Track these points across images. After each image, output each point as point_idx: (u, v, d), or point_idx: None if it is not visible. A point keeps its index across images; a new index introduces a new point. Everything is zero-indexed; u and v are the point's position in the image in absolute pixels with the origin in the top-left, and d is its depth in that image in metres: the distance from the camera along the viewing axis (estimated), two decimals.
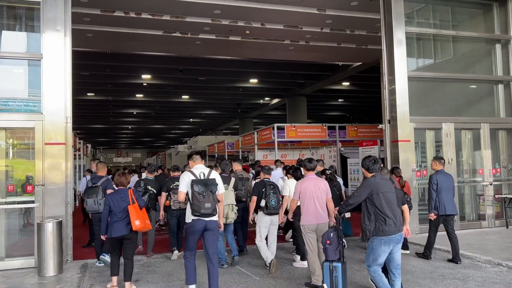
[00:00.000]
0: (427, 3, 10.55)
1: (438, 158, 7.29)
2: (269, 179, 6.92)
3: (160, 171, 10.86)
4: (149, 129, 39.84)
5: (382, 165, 5.45)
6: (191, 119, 34.78)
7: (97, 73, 18.87)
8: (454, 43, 11.02)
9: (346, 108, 30.91)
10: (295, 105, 23.76)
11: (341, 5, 10.45)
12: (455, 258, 6.90)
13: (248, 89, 23.07)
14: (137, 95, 24.35)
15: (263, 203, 6.51)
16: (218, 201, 5.24)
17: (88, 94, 23.53)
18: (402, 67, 9.41)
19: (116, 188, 5.92)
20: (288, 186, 6.63)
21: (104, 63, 17.15)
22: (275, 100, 26.60)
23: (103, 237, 5.67)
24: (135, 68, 18.47)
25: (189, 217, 5.13)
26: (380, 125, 13.43)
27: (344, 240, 5.14)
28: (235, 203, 6.72)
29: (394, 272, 4.81)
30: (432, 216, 6.96)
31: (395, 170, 8.05)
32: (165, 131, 43.36)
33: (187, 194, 5.12)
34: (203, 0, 9.69)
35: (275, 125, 14.84)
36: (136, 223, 5.37)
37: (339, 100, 27.49)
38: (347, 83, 23.05)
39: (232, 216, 6.62)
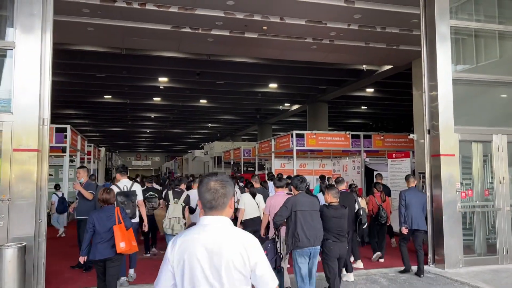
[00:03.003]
0: None
1: (409, 176, 7.54)
2: None
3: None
4: (167, 133, 38.75)
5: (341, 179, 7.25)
6: (209, 124, 33.50)
7: (113, 75, 17.86)
8: (501, 42, 9.27)
9: (369, 115, 29.05)
10: (316, 111, 22.12)
11: None
12: (418, 271, 7.08)
13: (267, 94, 21.62)
14: (154, 99, 23.27)
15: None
16: (138, 207, 6.76)
17: (105, 96, 22.62)
18: (445, 67, 7.75)
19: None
20: (243, 200, 7.09)
21: (119, 65, 16.07)
22: (295, 106, 25.02)
23: (81, 259, 5.01)
24: (151, 70, 17.33)
25: None
26: (411, 134, 11.73)
27: (282, 251, 5.52)
28: (181, 216, 6.90)
29: (308, 281, 5.24)
30: (404, 230, 7.12)
31: (376, 185, 8.62)
32: (183, 136, 42.23)
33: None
34: None
35: (294, 132, 13.29)
36: (121, 245, 4.85)
37: (362, 107, 25.71)
38: (371, 90, 21.38)
39: (178, 228, 6.80)
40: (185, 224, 6.93)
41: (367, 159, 14.36)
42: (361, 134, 14.32)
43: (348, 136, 14.02)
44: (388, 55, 12.26)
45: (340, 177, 7.51)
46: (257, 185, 7.92)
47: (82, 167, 7.73)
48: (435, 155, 7.71)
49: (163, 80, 18.65)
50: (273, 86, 19.78)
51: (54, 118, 26.27)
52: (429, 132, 7.92)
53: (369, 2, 9.14)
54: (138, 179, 14.66)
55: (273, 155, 15.01)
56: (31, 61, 5.95)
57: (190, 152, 30.37)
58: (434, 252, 7.62)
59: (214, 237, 1.99)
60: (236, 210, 8.12)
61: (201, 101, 23.80)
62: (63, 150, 12.59)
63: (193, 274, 1.95)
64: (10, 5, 6.02)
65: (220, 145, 23.92)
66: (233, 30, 10.33)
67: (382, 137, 14.63)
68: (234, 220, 8.30)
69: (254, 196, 7.20)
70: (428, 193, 7.86)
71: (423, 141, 8.41)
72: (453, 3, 8.41)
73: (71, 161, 13.88)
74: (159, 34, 10.37)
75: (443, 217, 7.44)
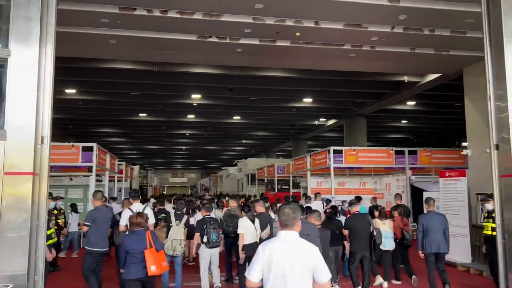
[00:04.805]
0: None
1: (428, 200, 7.41)
2: (209, 216, 7.09)
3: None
4: (202, 150, 38.19)
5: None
6: (243, 141, 32.60)
7: (147, 93, 17.45)
8: None
9: (410, 130, 27.17)
10: (354, 126, 20.67)
11: None
12: None
13: (302, 109, 20.48)
14: (188, 116, 22.71)
15: (205, 238, 6.73)
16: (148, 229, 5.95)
17: (140, 114, 22.25)
18: None
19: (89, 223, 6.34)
20: (242, 225, 6.86)
21: (152, 82, 15.54)
22: (331, 121, 23.66)
23: (122, 270, 5.41)
24: (183, 87, 16.72)
25: None
26: (464, 150, 10.18)
27: None
28: (183, 238, 7.05)
29: None
30: (420, 254, 7.14)
31: (397, 208, 8.46)
32: (218, 152, 41.60)
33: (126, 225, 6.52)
34: None
35: (331, 148, 12.05)
36: (152, 269, 5.00)
37: (403, 121, 23.98)
38: (413, 103, 19.80)
39: (179, 249, 6.91)
40: (185, 245, 7.18)
41: (412, 177, 12.83)
42: (406, 149, 12.87)
43: (391, 152, 12.63)
44: (435, 62, 10.80)
45: (354, 200, 7.72)
46: (262, 209, 7.59)
47: (97, 191, 6.91)
48: (507, 175, 6.20)
49: (196, 97, 18.01)
50: (307, 100, 18.67)
51: (91, 137, 26.25)
52: (497, 147, 6.42)
53: (416, 1, 7.85)
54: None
55: (308, 172, 13.77)
56: (27, 71, 5.03)
57: (224, 169, 29.51)
58: None
59: (289, 244, 2.97)
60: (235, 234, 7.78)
61: (234, 117, 23.00)
62: (90, 169, 11.89)
63: (276, 269, 2.87)
64: (7, 9, 5.20)
65: (254, 162, 22.89)
66: (263, 38, 9.28)
67: (429, 153, 13.08)
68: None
69: (253, 221, 6.98)
70: (498, 221, 6.33)
71: (485, 155, 6.94)
72: None
73: (99, 180, 13.18)
74: (185, 45, 9.48)
75: None
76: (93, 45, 9.55)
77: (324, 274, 2.93)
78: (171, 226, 7.09)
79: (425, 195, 10.79)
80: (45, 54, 5.26)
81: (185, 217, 7.38)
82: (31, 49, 5.13)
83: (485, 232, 8.02)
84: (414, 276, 7.87)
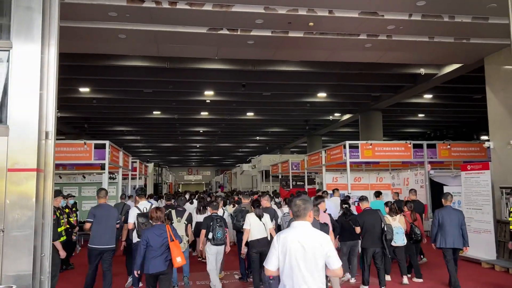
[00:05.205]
0: None
1: (445, 195, 7.29)
2: (216, 213, 7.09)
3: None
4: (217, 147, 37.97)
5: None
6: (257, 137, 32.25)
7: (160, 91, 17.30)
8: None
9: (427, 124, 26.43)
10: (369, 121, 20.12)
11: None
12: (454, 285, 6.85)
13: (316, 104, 20.02)
14: (202, 113, 22.48)
15: (210, 235, 6.70)
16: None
17: (154, 112, 22.12)
18: None
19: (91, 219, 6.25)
20: (248, 221, 6.75)
21: (165, 79, 15.34)
22: (346, 116, 23.15)
23: (136, 273, 5.41)
24: (196, 83, 16.44)
25: (135, 238, 6.64)
26: (486, 142, 9.70)
27: None
28: (185, 234, 6.95)
29: None
30: (433, 246, 7.12)
31: (407, 204, 8.28)
32: (232, 150, 41.33)
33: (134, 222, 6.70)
34: None
35: (347, 142, 11.65)
36: (178, 260, 5.15)
37: (419, 115, 23.32)
38: (430, 96, 19.20)
39: (181, 246, 6.51)
40: (188, 241, 7.00)
41: (431, 171, 12.35)
42: (424, 143, 12.39)
43: (409, 145, 12.16)
44: (455, 51, 10.30)
45: (364, 196, 7.63)
46: (267, 204, 7.66)
47: (100, 189, 6.73)
48: None
49: (209, 93, 17.76)
50: (322, 95, 18.24)
51: (105, 136, 26.27)
52: None
53: None
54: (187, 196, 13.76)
55: (324, 168, 13.39)
56: (30, 64, 4.81)
57: (238, 166, 29.27)
58: None
59: (301, 233, 3.13)
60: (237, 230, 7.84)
61: (248, 113, 22.69)
62: (103, 167, 11.73)
63: (291, 257, 3.06)
64: (8, 2, 4.98)
65: (268, 158, 22.55)
66: (275, 30, 8.95)
67: (448, 146, 12.57)
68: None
69: (260, 217, 6.79)
70: None
71: (509, 147, 6.52)
72: None
73: (113, 178, 13.04)
74: (195, 38, 9.21)
75: None
76: (103, 40, 9.36)
77: (336, 260, 3.10)
78: (173, 222, 7.00)
79: (446, 189, 10.36)
80: (48, 46, 5.02)
81: (187, 212, 7.30)
82: (33, 41, 4.89)
83: (511, 227, 7.60)
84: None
